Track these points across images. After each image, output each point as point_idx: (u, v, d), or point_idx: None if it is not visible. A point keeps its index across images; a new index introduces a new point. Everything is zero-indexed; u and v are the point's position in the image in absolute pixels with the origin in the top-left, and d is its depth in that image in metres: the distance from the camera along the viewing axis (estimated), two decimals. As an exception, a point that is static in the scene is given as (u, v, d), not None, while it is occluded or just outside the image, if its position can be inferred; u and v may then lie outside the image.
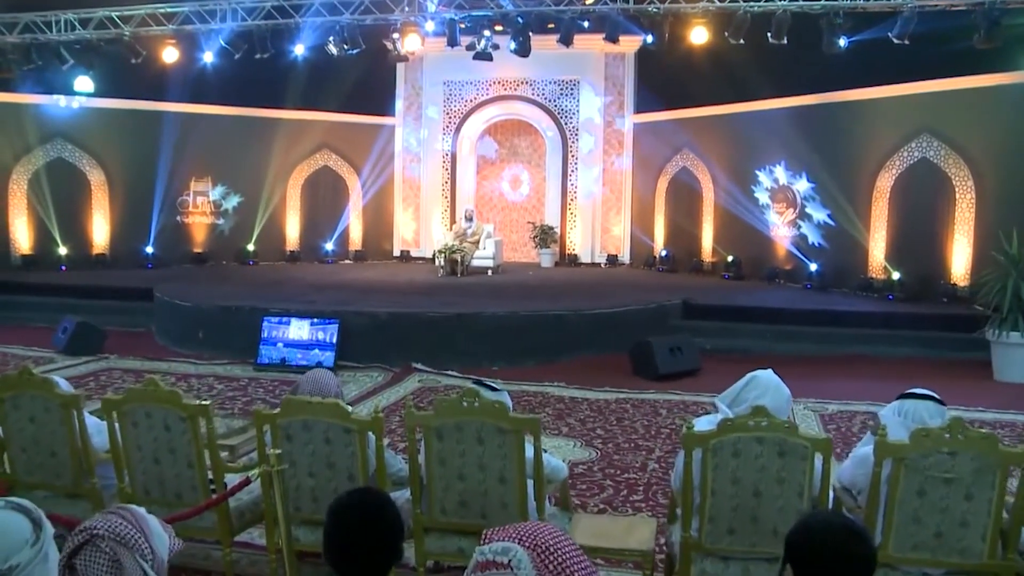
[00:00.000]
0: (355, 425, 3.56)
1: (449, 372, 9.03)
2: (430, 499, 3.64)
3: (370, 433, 3.60)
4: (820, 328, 10.73)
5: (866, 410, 7.80)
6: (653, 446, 6.56)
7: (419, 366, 9.15)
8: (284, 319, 9.32)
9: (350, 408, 3.57)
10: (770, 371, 3.57)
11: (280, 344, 9.20)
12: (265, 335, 9.25)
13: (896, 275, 12.16)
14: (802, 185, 13.63)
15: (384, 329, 9.41)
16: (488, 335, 9.50)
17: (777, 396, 3.45)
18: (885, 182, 12.45)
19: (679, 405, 7.91)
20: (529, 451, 3.55)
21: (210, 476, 3.85)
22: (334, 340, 9.10)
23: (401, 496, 3.94)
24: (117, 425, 3.86)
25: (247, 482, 3.39)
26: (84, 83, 14.84)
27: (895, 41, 10.39)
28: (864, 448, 3.57)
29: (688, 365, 9.31)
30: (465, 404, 3.50)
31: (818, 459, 3.31)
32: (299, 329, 9.25)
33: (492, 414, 3.48)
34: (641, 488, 5.57)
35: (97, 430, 4.05)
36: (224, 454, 4.99)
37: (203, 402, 3.74)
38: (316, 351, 9.12)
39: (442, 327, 9.46)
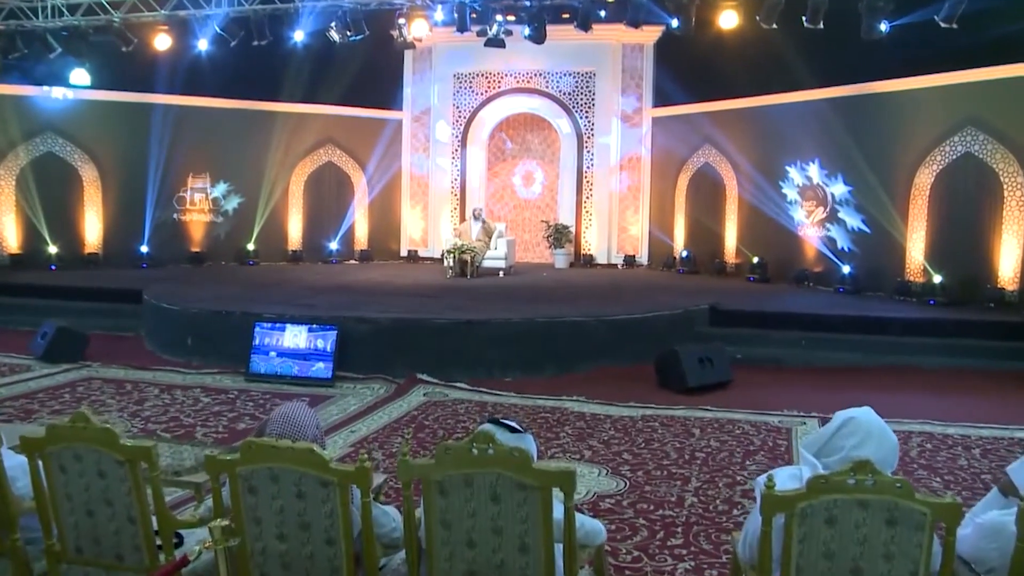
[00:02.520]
0: (334, 476, 2.79)
1: (458, 384, 8.25)
2: (430, 570, 2.87)
3: (354, 487, 2.83)
4: (858, 336, 9.90)
5: (921, 430, 7.01)
6: (688, 474, 5.77)
7: (425, 377, 8.38)
8: (278, 325, 8.55)
9: (328, 454, 2.79)
10: (869, 410, 2.78)
11: (273, 353, 8.42)
12: (257, 342, 8.49)
13: (937, 278, 11.33)
14: (834, 182, 12.81)
15: (387, 337, 8.63)
16: (500, 343, 8.71)
17: (882, 444, 2.66)
18: (925, 178, 11.62)
19: (712, 424, 7.10)
20: (558, 510, 2.77)
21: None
22: (333, 349, 8.33)
23: (396, 558, 3.17)
24: (42, 469, 3.10)
25: (184, 562, 2.62)
26: (80, 76, 14.18)
27: (942, 25, 9.57)
28: (992, 514, 2.76)
29: (719, 377, 8.51)
30: (476, 452, 2.72)
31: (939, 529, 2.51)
32: (295, 336, 8.48)
33: (511, 465, 2.70)
34: (680, 529, 4.78)
35: (23, 471, 3.29)
36: (183, 494, 4.25)
37: (144, 443, 2.97)
38: (317, 363, 8.34)
39: (450, 335, 8.67)
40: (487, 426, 2.86)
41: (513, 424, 2.91)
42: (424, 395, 7.96)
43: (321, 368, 8.29)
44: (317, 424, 3.01)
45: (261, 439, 2.85)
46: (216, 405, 7.55)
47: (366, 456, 2.79)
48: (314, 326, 8.50)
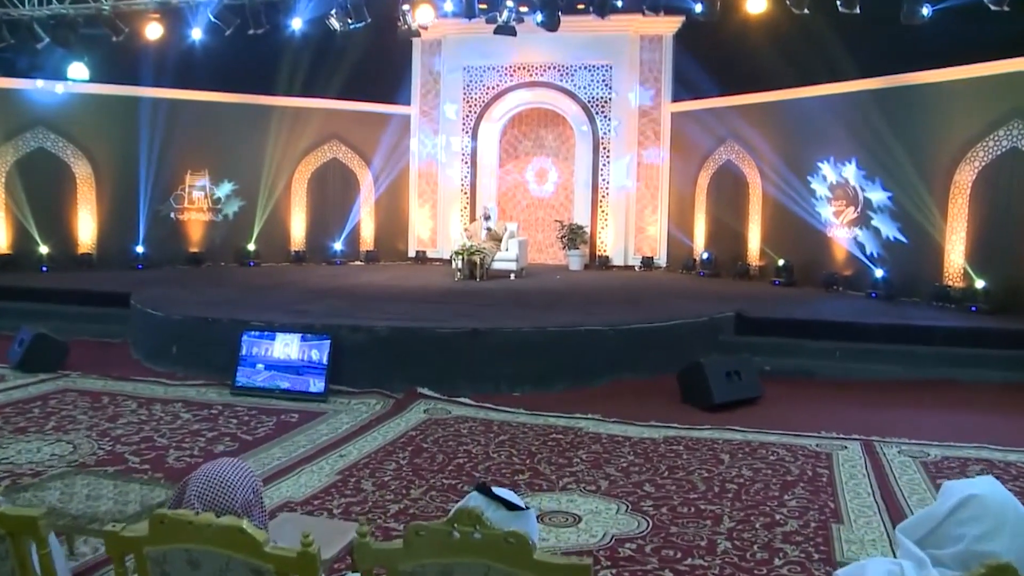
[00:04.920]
0: (271, 563, 2.09)
1: (461, 399, 7.55)
2: None
3: (297, 577, 2.13)
4: (897, 346, 9.14)
5: (978, 456, 6.25)
6: (720, 511, 5.04)
7: (426, 392, 7.68)
8: (268, 334, 7.88)
9: (264, 535, 2.10)
10: (993, 482, 2.03)
11: (260, 365, 7.74)
12: (244, 352, 7.81)
13: (980, 283, 10.54)
14: (866, 180, 12.04)
15: (385, 347, 7.92)
16: (509, 354, 7.99)
17: (1021, 534, 1.92)
18: (966, 176, 10.83)
19: (743, 448, 6.37)
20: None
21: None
22: (326, 361, 7.64)
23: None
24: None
25: None
26: (79, 70, 13.69)
27: (991, 8, 8.80)
28: None
29: (747, 392, 7.78)
30: (457, 535, 2.02)
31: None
32: (286, 346, 7.80)
33: (505, 554, 2.00)
34: (713, 584, 4.07)
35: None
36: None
37: (30, 511, 2.29)
38: (309, 376, 7.63)
39: (454, 345, 7.96)
40: (475, 498, 2.16)
41: (510, 497, 2.20)
42: (424, 412, 7.26)
43: (313, 382, 7.60)
44: (254, 487, 2.31)
45: (175, 512, 2.15)
46: (196, 422, 6.88)
47: (311, 539, 2.09)
48: (307, 335, 7.83)
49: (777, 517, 4.95)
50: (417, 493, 5.26)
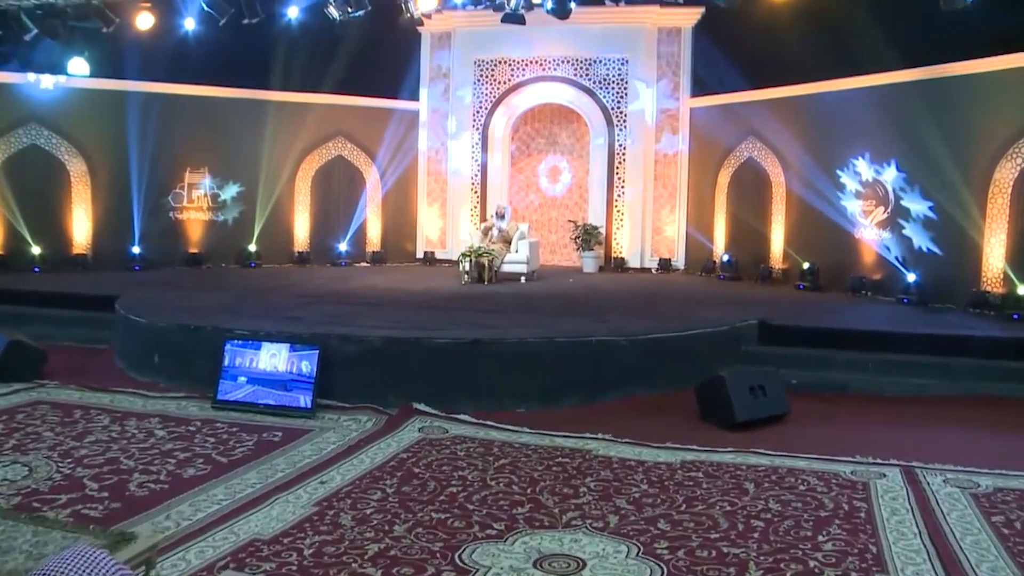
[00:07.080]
0: None
1: (460, 417, 6.95)
2: None
3: None
4: (934, 358, 8.43)
5: (1036, 488, 5.57)
6: (745, 556, 4.41)
7: (422, 407, 7.08)
8: (253, 343, 7.30)
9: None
10: None
11: (242, 378, 7.16)
12: (227, 363, 7.24)
13: (1022, 289, 9.84)
14: (897, 179, 11.35)
15: (378, 358, 7.31)
16: (513, 367, 7.36)
17: None
18: (1006, 174, 10.14)
19: (769, 475, 5.72)
20: None
21: None
22: (314, 373, 7.05)
23: None
24: None
25: None
26: (79, 65, 13.29)
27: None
28: None
29: (773, 409, 7.13)
30: None
31: None
32: (273, 357, 7.20)
33: None
34: (739, 655, 3.43)
35: None
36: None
37: None
38: (296, 390, 7.03)
39: (453, 357, 7.34)
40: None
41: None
42: (420, 430, 6.66)
43: (301, 396, 7.02)
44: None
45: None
46: (170, 441, 6.31)
47: None
48: (296, 345, 7.24)
49: (811, 564, 4.31)
50: (401, 530, 4.66)
